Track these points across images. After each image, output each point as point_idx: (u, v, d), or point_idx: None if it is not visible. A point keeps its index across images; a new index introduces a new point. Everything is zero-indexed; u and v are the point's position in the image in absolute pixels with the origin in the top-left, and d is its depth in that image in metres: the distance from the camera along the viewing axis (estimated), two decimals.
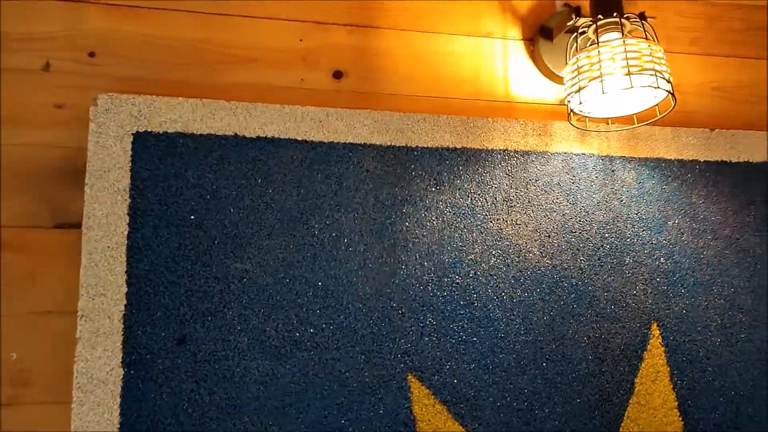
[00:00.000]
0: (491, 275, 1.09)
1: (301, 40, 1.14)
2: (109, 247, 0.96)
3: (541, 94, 1.21)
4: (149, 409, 0.92)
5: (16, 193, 0.98)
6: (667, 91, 1.00)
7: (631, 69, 1.01)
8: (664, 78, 1.00)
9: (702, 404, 1.11)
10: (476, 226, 1.10)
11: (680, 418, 1.10)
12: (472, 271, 1.08)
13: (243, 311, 0.99)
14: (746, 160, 1.23)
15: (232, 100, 1.06)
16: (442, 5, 1.21)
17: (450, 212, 1.10)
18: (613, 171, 1.18)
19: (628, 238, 1.15)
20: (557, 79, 1.21)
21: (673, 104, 1.03)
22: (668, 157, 1.20)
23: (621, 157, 1.19)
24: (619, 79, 1.03)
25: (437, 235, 1.08)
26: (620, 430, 1.08)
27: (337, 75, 1.14)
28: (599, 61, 1.04)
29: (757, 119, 1.29)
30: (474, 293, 1.08)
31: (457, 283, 1.08)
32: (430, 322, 1.05)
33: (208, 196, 1.02)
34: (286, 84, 1.12)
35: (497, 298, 1.08)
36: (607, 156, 1.18)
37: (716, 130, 1.23)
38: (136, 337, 0.95)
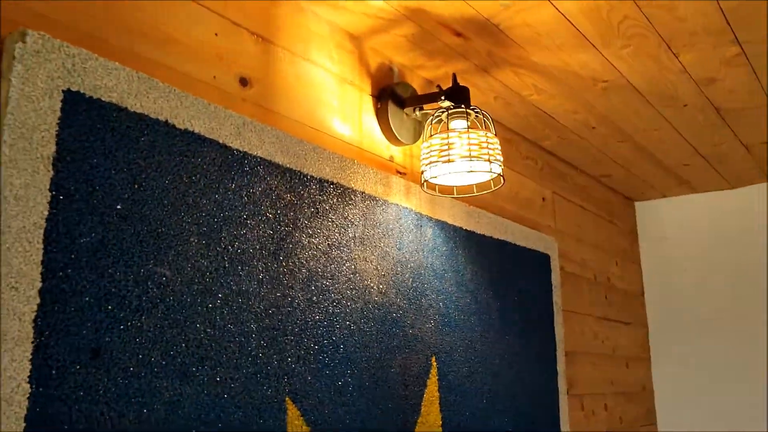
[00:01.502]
0: (348, 306, 1.19)
1: (216, 35, 1.07)
2: (24, 227, 0.75)
3: (380, 148, 1.38)
4: None
5: None
6: (497, 173, 1.29)
7: (472, 154, 1.27)
8: (495, 162, 1.29)
9: (458, 420, 1.41)
10: (341, 258, 1.19)
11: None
12: (337, 301, 1.17)
13: (159, 322, 0.88)
14: (513, 242, 1.62)
15: (154, 77, 0.93)
16: (332, 31, 1.27)
17: (325, 243, 1.17)
18: (420, 226, 1.41)
19: (426, 283, 1.40)
20: (393, 139, 1.39)
21: (502, 181, 1.33)
22: (450, 222, 1.50)
23: (426, 216, 1.43)
24: (463, 162, 1.27)
25: (315, 262, 1.14)
26: None
27: (243, 82, 1.10)
28: (449, 146, 1.28)
29: (518, 216, 1.70)
30: (337, 322, 1.16)
31: (328, 311, 1.15)
32: (305, 345, 1.09)
33: (136, 186, 0.88)
34: (200, 77, 1.03)
35: (349, 327, 1.19)
36: (418, 213, 1.41)
37: (483, 211, 1.59)
38: (48, 346, 0.75)
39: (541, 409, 1.72)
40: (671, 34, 1.37)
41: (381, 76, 1.41)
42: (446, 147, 1.27)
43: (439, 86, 1.32)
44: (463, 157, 1.25)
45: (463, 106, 1.31)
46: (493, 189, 1.36)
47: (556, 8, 1.26)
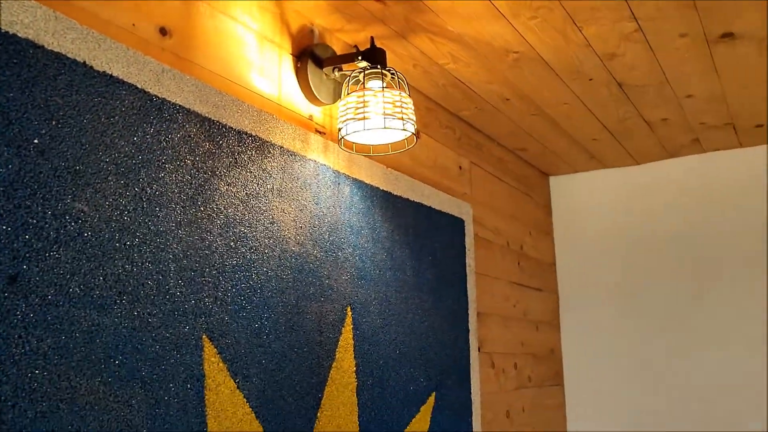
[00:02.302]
0: (266, 253, 1.25)
1: None
2: None
3: (300, 106, 1.43)
4: None
5: None
6: (412, 132, 1.37)
7: (386, 113, 1.34)
8: (409, 122, 1.36)
9: (371, 368, 1.49)
10: (259, 207, 1.24)
11: (355, 378, 1.45)
12: (255, 248, 1.22)
13: (77, 255, 0.91)
14: (429, 206, 1.70)
15: (72, 18, 0.95)
16: None
17: (243, 192, 1.21)
18: (338, 184, 1.48)
19: (342, 238, 1.46)
20: (313, 98, 1.44)
21: (415, 140, 1.40)
22: (367, 182, 1.57)
23: (344, 174, 1.50)
24: (378, 119, 1.34)
25: (234, 209, 1.18)
26: (325, 388, 1.36)
27: (163, 32, 1.13)
28: (364, 104, 1.34)
29: (435, 182, 1.77)
30: (254, 268, 1.21)
31: (246, 257, 1.20)
32: (223, 287, 1.14)
33: (54, 122, 0.90)
34: (120, 24, 1.05)
35: (266, 274, 1.24)
36: (336, 171, 1.47)
37: (397, 173, 1.66)
38: None
39: (452, 363, 1.82)
40: (574, 8, 1.47)
41: (301, 37, 1.45)
42: (362, 105, 1.33)
43: (356, 47, 1.38)
44: (377, 115, 1.32)
45: (378, 66, 1.38)
46: (407, 148, 1.43)
47: None
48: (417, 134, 1.39)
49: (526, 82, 1.85)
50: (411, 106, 1.36)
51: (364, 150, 1.46)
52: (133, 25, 1.08)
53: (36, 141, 0.88)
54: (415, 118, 1.36)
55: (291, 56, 1.42)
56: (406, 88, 1.38)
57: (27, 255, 0.85)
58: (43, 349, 0.85)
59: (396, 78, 1.38)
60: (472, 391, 1.90)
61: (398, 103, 1.33)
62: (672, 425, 2.44)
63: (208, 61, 1.21)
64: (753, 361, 2.34)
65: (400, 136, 1.39)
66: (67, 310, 0.89)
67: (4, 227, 0.83)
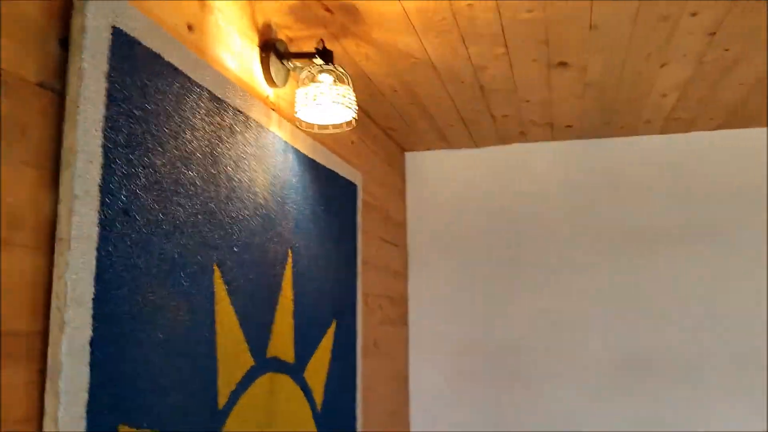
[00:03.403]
0: (247, 205, 1.62)
1: None
2: None
3: (261, 88, 1.79)
4: None
5: None
6: (352, 116, 1.80)
7: (335, 101, 1.76)
8: (351, 109, 1.79)
9: (302, 297, 1.91)
10: (244, 168, 1.61)
11: (293, 305, 1.87)
12: (241, 199, 1.59)
13: (155, 198, 1.24)
14: (336, 172, 2.12)
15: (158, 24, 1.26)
16: None
17: (236, 155, 1.57)
18: (286, 151, 1.87)
19: (287, 195, 1.86)
20: (270, 82, 1.81)
21: (354, 123, 1.83)
22: (302, 151, 1.97)
23: (290, 144, 1.89)
24: (328, 105, 1.76)
25: (231, 169, 1.54)
26: (276, 311, 1.76)
27: (190, 28, 1.45)
28: (316, 94, 1.75)
29: (338, 153, 2.18)
30: (241, 215, 1.58)
31: (237, 206, 1.56)
32: (227, 228, 1.50)
33: (146, 97, 1.21)
34: (168, 20, 1.36)
35: (248, 220, 1.62)
36: (285, 141, 1.86)
37: (323, 149, 2.07)
38: None
39: (345, 299, 2.29)
40: (467, 33, 1.98)
41: (264, 31, 1.81)
42: (317, 95, 1.73)
43: (316, 48, 1.77)
44: (329, 102, 1.73)
45: (331, 64, 1.78)
46: (346, 128, 1.86)
47: (402, 5, 1.79)
48: (355, 119, 1.82)
49: (415, 80, 2.35)
50: (353, 96, 1.79)
51: (310, 127, 1.86)
52: (176, 23, 1.39)
53: (136, 112, 1.19)
54: (356, 108, 1.79)
55: (258, 47, 1.77)
56: (350, 83, 1.80)
57: (132, 196, 1.17)
58: (139, 260, 1.19)
59: (343, 74, 1.79)
60: (357, 322, 2.39)
61: (346, 95, 1.75)
62: (495, 357, 3.13)
63: (214, 52, 1.54)
64: (557, 304, 3.10)
65: (341, 119, 1.81)
66: (149, 237, 1.22)
67: (117, 176, 1.14)
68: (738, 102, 2.65)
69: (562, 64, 2.23)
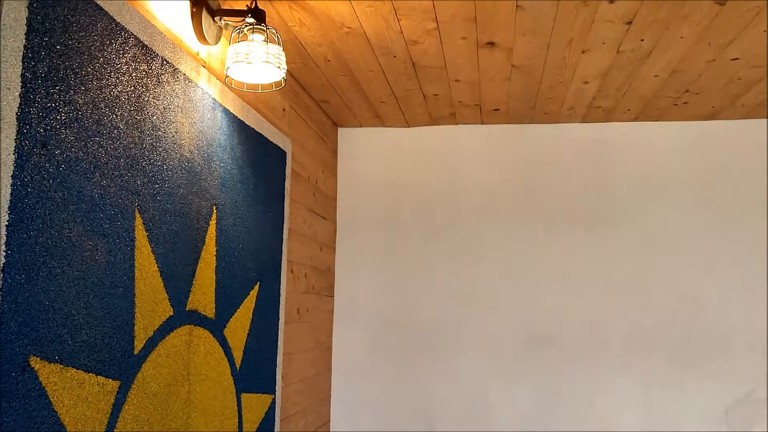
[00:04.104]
0: (172, 156, 1.62)
1: None
2: None
3: (191, 44, 1.79)
4: None
5: None
6: (282, 77, 1.83)
7: (267, 60, 1.79)
8: (281, 69, 1.82)
9: (224, 253, 1.93)
10: (170, 120, 1.62)
11: (215, 260, 1.88)
12: (166, 149, 1.60)
13: (75, 134, 1.24)
14: (266, 137, 2.14)
15: None
16: None
17: (162, 105, 1.58)
18: (214, 109, 1.88)
19: (213, 152, 1.87)
20: (202, 39, 1.82)
21: (283, 84, 1.85)
22: (231, 111, 1.98)
23: (219, 102, 1.90)
24: (259, 64, 1.78)
25: (157, 118, 1.55)
26: (198, 264, 1.78)
27: None
28: (247, 52, 1.77)
29: (269, 118, 2.20)
30: (165, 165, 1.59)
31: (162, 155, 1.57)
32: (149, 175, 1.51)
33: (81, 41, 1.21)
34: None
35: (172, 170, 1.62)
36: (214, 98, 1.87)
37: (252, 111, 2.09)
38: None
39: (270, 263, 2.32)
40: (399, 5, 2.04)
41: None
42: (249, 53, 1.75)
43: (248, 6, 1.79)
44: (260, 61, 1.76)
45: (263, 24, 1.80)
46: (274, 89, 1.88)
47: None
48: (284, 80, 1.85)
49: (347, 50, 2.39)
50: (284, 57, 1.82)
51: (239, 86, 1.88)
52: None
53: (57, 47, 1.19)
54: (286, 67, 1.82)
55: (188, 2, 1.78)
56: (281, 43, 1.83)
57: (51, 130, 1.17)
58: (56, 194, 1.19)
59: (273, 34, 1.82)
60: (281, 288, 2.43)
61: (276, 55, 1.78)
62: (413, 329, 3.22)
63: (143, 0, 1.54)
64: (473, 280, 3.21)
65: (271, 79, 1.84)
66: (67, 174, 1.22)
67: (36, 108, 1.14)
68: (651, 95, 2.81)
69: (490, 44, 2.32)
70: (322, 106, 3.05)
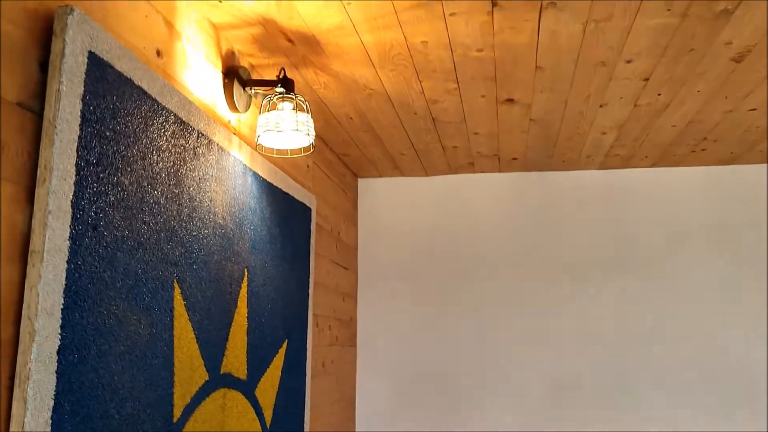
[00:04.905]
0: (207, 224, 1.67)
1: (146, 17, 1.46)
2: None
3: (224, 113, 1.86)
4: None
5: None
6: (311, 143, 1.88)
7: (295, 129, 1.85)
8: (310, 136, 1.88)
9: (255, 314, 1.96)
10: (205, 189, 1.67)
11: (246, 322, 1.92)
12: (202, 219, 1.65)
13: (121, 214, 1.29)
14: (292, 195, 2.19)
15: (125, 46, 1.32)
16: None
17: (198, 176, 1.63)
18: (245, 174, 1.93)
19: (245, 216, 1.92)
20: (233, 108, 1.88)
21: (311, 149, 1.91)
22: (260, 174, 2.04)
23: (249, 167, 1.96)
24: (288, 132, 1.84)
25: (193, 189, 1.60)
26: (231, 327, 1.81)
27: (158, 53, 1.51)
28: (277, 121, 1.83)
29: (294, 176, 2.25)
30: (201, 234, 1.64)
31: (198, 225, 1.62)
32: (187, 246, 1.56)
33: (117, 118, 1.27)
34: (137, 46, 1.42)
35: (207, 238, 1.67)
36: (244, 164, 1.93)
37: (283, 175, 2.15)
38: None
39: (297, 319, 2.35)
40: (421, 68, 2.10)
41: (228, 58, 1.88)
42: (279, 122, 1.81)
43: (278, 76, 1.85)
44: (290, 129, 1.81)
45: (292, 93, 1.87)
46: (303, 154, 1.94)
47: (360, 39, 1.90)
48: (313, 145, 1.90)
49: (369, 109, 2.45)
50: (312, 124, 1.88)
51: (269, 151, 1.94)
52: (144, 47, 1.45)
53: (107, 133, 1.25)
54: (315, 134, 1.87)
55: (221, 74, 1.85)
56: (309, 111, 1.89)
57: (100, 213, 1.22)
58: (105, 274, 1.24)
59: (302, 102, 1.88)
60: (307, 342, 2.45)
61: (305, 123, 1.84)
62: (436, 379, 3.22)
63: (180, 77, 1.61)
64: (495, 328, 3.22)
65: (300, 145, 1.90)
66: (114, 252, 1.27)
67: (88, 193, 1.20)
68: (669, 143, 2.85)
69: (509, 100, 2.37)
70: (343, 159, 3.11)
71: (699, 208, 3.19)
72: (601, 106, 2.42)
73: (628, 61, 2.04)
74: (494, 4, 1.69)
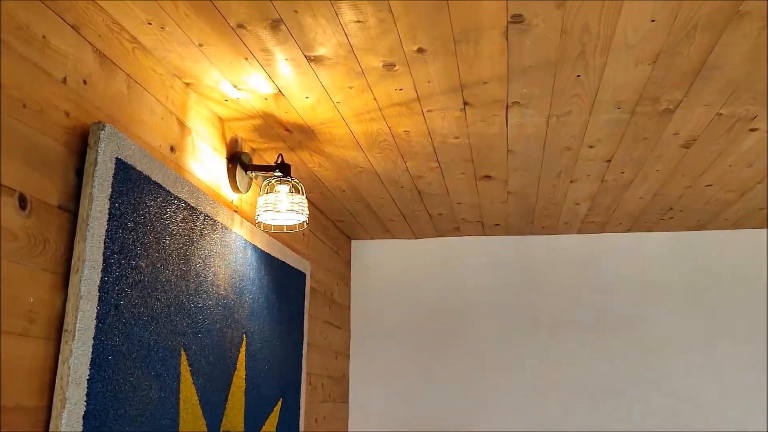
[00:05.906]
0: (212, 296, 1.88)
1: (162, 119, 1.70)
2: None
3: (227, 194, 2.08)
4: None
5: None
6: (304, 221, 2.10)
7: (290, 209, 2.07)
8: (304, 214, 2.09)
9: (253, 376, 2.15)
10: (210, 265, 1.88)
11: (245, 383, 2.10)
12: (206, 292, 1.85)
13: (138, 293, 1.50)
14: (288, 263, 2.40)
15: (147, 151, 1.55)
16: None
17: (203, 254, 1.84)
18: (245, 248, 2.15)
19: (244, 286, 2.13)
20: (236, 189, 2.11)
21: (305, 226, 2.13)
22: (260, 247, 2.25)
23: (249, 241, 2.17)
24: (285, 212, 2.06)
25: (200, 266, 1.81)
26: (230, 389, 2.00)
27: (172, 149, 1.74)
28: (275, 202, 2.06)
29: (290, 245, 2.47)
30: (206, 305, 1.84)
31: (203, 297, 1.83)
32: (193, 317, 1.76)
33: (138, 211, 1.49)
34: (153, 144, 1.65)
35: (210, 309, 1.87)
36: (245, 239, 2.14)
37: (284, 247, 2.36)
38: None
39: (291, 379, 2.53)
40: (404, 151, 2.34)
41: (231, 145, 2.12)
42: (276, 203, 2.04)
43: (276, 162, 2.08)
44: (285, 210, 2.04)
45: (288, 177, 2.10)
46: (297, 230, 2.15)
47: (350, 129, 2.14)
48: (306, 223, 2.12)
49: (360, 183, 2.68)
50: (306, 204, 2.10)
51: (267, 228, 2.15)
52: (159, 145, 1.68)
53: (129, 224, 1.46)
54: (308, 212, 2.10)
55: (225, 160, 2.08)
56: (304, 192, 2.11)
57: (121, 293, 1.43)
58: (123, 346, 1.43)
59: (298, 185, 2.11)
60: (300, 401, 2.63)
61: (300, 203, 2.06)
62: (425, 430, 3.37)
63: (189, 166, 1.84)
64: (481, 385, 3.38)
65: (295, 221, 2.12)
66: (132, 327, 1.47)
67: (111, 278, 1.41)
68: (639, 212, 3.07)
69: (487, 176, 2.61)
70: (337, 224, 3.33)
71: (671, 270, 3.39)
72: (571, 181, 2.65)
73: (591, 146, 2.28)
74: (465, 103, 1.94)
